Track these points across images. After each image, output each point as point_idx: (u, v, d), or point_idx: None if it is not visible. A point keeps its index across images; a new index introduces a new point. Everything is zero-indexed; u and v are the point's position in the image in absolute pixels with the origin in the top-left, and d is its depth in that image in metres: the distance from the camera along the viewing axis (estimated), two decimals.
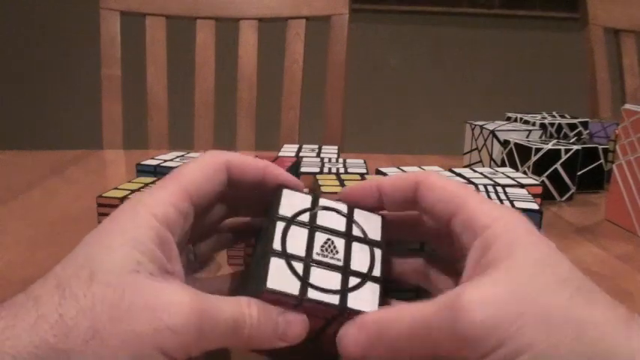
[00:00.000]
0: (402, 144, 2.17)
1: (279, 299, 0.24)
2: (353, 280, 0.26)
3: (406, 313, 0.23)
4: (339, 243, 0.27)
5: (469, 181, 0.51)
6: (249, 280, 0.27)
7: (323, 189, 0.44)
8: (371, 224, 0.28)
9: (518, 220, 0.24)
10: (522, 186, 0.49)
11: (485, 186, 0.48)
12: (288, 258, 0.25)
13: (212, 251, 0.32)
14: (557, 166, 0.61)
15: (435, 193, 0.27)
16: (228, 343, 0.24)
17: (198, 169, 0.27)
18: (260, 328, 0.24)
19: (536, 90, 2.17)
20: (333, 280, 0.25)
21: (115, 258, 0.22)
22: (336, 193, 0.43)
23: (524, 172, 0.61)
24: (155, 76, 1.00)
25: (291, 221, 0.26)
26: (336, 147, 0.67)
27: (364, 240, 0.28)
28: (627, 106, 0.53)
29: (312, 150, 0.65)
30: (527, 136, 0.68)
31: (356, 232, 0.28)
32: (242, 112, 1.02)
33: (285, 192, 0.27)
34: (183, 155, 0.57)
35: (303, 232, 0.26)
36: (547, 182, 0.61)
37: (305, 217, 0.27)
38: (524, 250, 0.23)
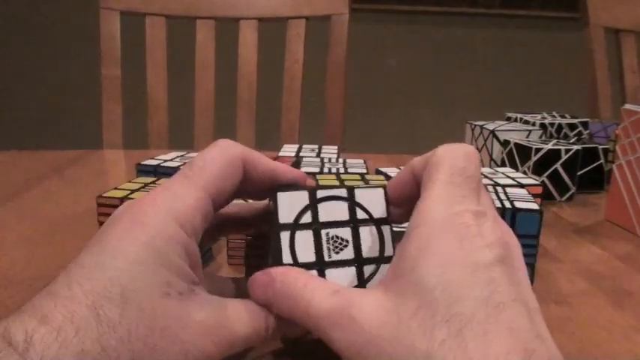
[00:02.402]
0: (402, 144, 2.17)
1: None
2: (368, 269, 0.26)
3: (307, 297, 0.23)
4: (346, 233, 0.27)
5: None
6: None
7: None
8: (374, 201, 0.28)
9: (439, 226, 0.22)
10: (522, 186, 0.49)
11: (485, 186, 0.48)
12: (301, 268, 0.25)
13: (212, 240, 0.32)
14: (557, 166, 0.61)
15: (424, 175, 0.25)
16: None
17: (219, 167, 0.25)
18: (273, 337, 0.25)
19: (536, 90, 2.17)
20: (349, 276, 0.26)
21: (145, 277, 0.22)
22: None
23: (524, 172, 0.61)
24: (155, 76, 1.00)
25: (294, 227, 0.26)
26: (336, 147, 0.67)
27: (370, 221, 0.27)
28: (627, 106, 0.53)
29: (312, 150, 0.65)
30: (527, 136, 0.68)
31: (360, 215, 0.27)
32: (242, 112, 1.02)
33: (281, 196, 0.27)
34: (183, 155, 0.57)
35: (309, 236, 0.26)
36: (547, 182, 0.61)
37: (307, 217, 0.26)
38: (422, 272, 0.21)
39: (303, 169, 0.53)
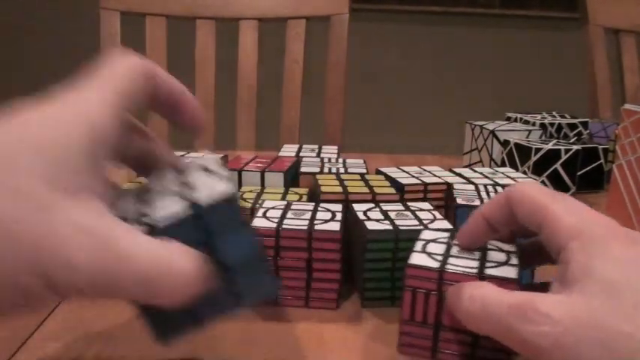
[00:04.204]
0: (402, 144, 2.17)
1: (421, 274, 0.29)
2: (489, 264, 0.29)
3: (482, 297, 0.26)
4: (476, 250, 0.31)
5: (469, 181, 0.51)
6: None
7: (323, 189, 0.44)
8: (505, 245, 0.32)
9: (599, 235, 0.25)
10: None
11: (485, 186, 0.48)
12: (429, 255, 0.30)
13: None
14: (557, 166, 0.61)
15: (524, 207, 0.28)
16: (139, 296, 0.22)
17: (130, 75, 0.25)
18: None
19: (536, 90, 2.17)
20: (471, 263, 0.29)
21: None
22: (337, 192, 0.43)
23: (524, 172, 0.61)
24: None
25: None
26: (336, 147, 0.67)
27: (499, 249, 0.31)
28: (627, 106, 0.53)
29: (312, 150, 0.65)
30: (527, 136, 0.68)
31: (490, 246, 0.31)
32: (242, 112, 1.02)
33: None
34: (183, 155, 0.57)
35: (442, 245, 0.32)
36: (547, 182, 0.61)
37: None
38: (600, 270, 0.24)
39: (303, 169, 0.53)
